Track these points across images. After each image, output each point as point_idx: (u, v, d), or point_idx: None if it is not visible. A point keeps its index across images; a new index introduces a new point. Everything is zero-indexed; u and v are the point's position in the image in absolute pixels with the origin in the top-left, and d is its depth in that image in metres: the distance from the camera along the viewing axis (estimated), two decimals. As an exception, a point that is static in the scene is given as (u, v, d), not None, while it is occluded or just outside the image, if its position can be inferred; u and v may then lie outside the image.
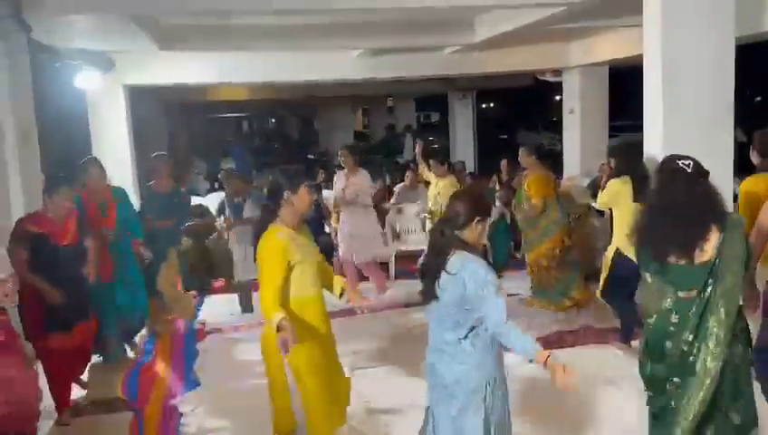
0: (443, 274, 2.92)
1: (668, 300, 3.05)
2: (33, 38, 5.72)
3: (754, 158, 4.54)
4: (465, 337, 2.95)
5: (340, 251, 7.44)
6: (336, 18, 7.32)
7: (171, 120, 17.24)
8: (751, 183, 4.45)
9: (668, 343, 3.06)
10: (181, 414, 4.71)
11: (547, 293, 6.73)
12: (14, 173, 5.40)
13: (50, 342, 4.51)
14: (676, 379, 3.06)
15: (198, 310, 7.01)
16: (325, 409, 3.70)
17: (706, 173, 3.36)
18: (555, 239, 6.66)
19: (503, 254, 8.46)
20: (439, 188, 7.58)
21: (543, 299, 6.75)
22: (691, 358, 2.99)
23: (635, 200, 4.91)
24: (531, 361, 2.89)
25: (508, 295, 7.01)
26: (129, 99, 9.41)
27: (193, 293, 7.24)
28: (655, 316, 3.11)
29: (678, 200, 3.04)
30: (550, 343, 5.55)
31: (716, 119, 5.06)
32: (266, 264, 3.54)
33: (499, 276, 3.02)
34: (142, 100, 11.10)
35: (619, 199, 5.20)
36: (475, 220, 2.96)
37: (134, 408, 4.77)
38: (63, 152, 8.71)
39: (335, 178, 7.58)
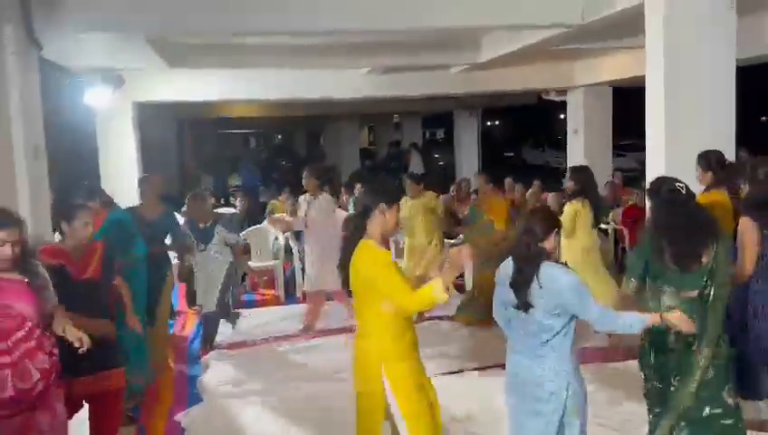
0: (534, 284, 3.05)
1: (670, 301, 3.37)
2: (43, 56, 5.81)
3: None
4: (546, 342, 3.08)
5: (307, 281, 7.04)
6: (344, 38, 7.42)
7: (179, 137, 17.38)
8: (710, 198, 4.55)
9: (671, 337, 3.37)
10: (183, 429, 4.73)
11: (481, 311, 6.53)
12: (24, 189, 5.45)
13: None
14: (675, 371, 3.41)
15: (201, 326, 7.03)
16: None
17: (694, 196, 3.68)
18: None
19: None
20: (408, 210, 7.14)
21: (470, 315, 6.82)
22: (693, 348, 3.34)
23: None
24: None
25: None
26: (137, 115, 9.53)
27: (196, 308, 7.24)
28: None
29: (683, 222, 3.40)
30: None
31: (718, 139, 5.09)
32: (386, 271, 3.24)
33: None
34: (151, 116, 11.22)
35: (578, 219, 5.73)
36: (554, 232, 3.16)
37: (137, 422, 4.79)
38: (71, 168, 8.81)
39: (299, 203, 7.15)
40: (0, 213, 3.16)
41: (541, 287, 3.02)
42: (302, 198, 7.08)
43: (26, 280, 3.11)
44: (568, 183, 6.11)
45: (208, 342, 6.43)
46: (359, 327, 3.40)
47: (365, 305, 3.31)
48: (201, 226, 6.32)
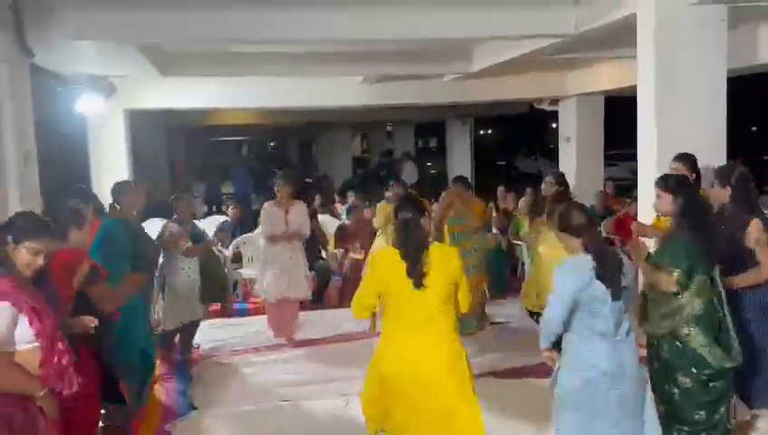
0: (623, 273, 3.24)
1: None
2: (35, 63, 5.80)
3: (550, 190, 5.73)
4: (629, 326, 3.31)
5: (269, 291, 6.60)
6: (337, 46, 7.43)
7: (171, 144, 17.34)
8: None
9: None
10: (174, 440, 4.70)
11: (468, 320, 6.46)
12: (15, 195, 5.44)
13: None
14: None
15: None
16: None
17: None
18: (483, 273, 6.80)
19: (500, 281, 8.47)
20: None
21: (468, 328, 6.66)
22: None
23: None
24: None
25: (503, 322, 7.07)
26: (129, 122, 9.51)
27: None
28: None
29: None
30: (518, 373, 5.60)
31: (709, 149, 5.13)
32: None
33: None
34: (142, 123, 11.20)
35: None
36: None
37: (128, 433, 4.75)
38: (62, 175, 8.77)
39: (264, 211, 6.69)
40: (38, 221, 3.00)
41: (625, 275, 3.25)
42: (267, 205, 6.67)
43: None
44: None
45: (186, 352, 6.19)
46: (439, 329, 3.28)
47: (448, 307, 3.30)
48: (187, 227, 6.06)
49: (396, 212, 3.45)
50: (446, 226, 6.66)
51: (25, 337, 2.70)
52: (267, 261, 6.64)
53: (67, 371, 2.82)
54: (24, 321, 2.68)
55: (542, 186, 5.98)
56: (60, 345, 2.80)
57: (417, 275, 3.19)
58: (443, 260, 3.28)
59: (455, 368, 3.26)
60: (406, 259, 3.23)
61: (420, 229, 3.33)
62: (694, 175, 4.69)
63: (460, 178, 7.09)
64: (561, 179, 6.08)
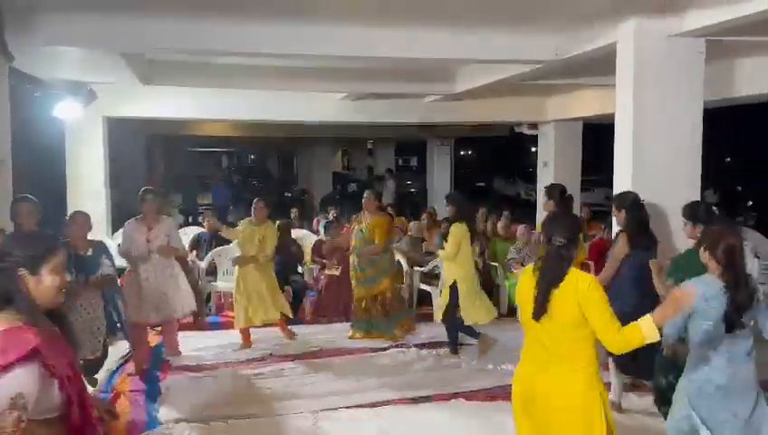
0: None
1: None
2: (14, 66, 5.73)
3: (547, 205, 6.19)
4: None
5: (133, 312, 5.94)
6: (320, 62, 7.45)
7: (149, 153, 17.23)
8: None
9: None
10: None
11: (379, 326, 7.24)
12: (-14, 200, 5.35)
13: None
14: None
15: (161, 347, 6.90)
16: None
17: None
18: (391, 280, 7.28)
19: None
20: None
21: (373, 331, 7.24)
22: None
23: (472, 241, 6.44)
24: None
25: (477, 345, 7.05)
26: (108, 130, 9.43)
27: (158, 328, 7.09)
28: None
29: None
30: (499, 396, 5.60)
31: (684, 178, 5.21)
32: (604, 303, 3.02)
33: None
34: (121, 131, 11.12)
35: (463, 240, 6.32)
36: None
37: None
38: (38, 181, 8.65)
39: (124, 228, 6.31)
40: (38, 236, 2.60)
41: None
42: (129, 223, 6.23)
43: None
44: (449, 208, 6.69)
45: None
46: (558, 356, 3.11)
47: (571, 334, 3.07)
48: (81, 253, 5.23)
49: (547, 234, 3.16)
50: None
51: (54, 403, 2.16)
52: (140, 278, 6.10)
53: None
54: (54, 385, 2.14)
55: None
56: (91, 412, 2.30)
57: (540, 308, 3.06)
58: (571, 290, 3.03)
59: (576, 406, 3.06)
60: (536, 287, 3.09)
61: (565, 260, 3.09)
62: (551, 201, 6.11)
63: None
64: (450, 201, 6.67)
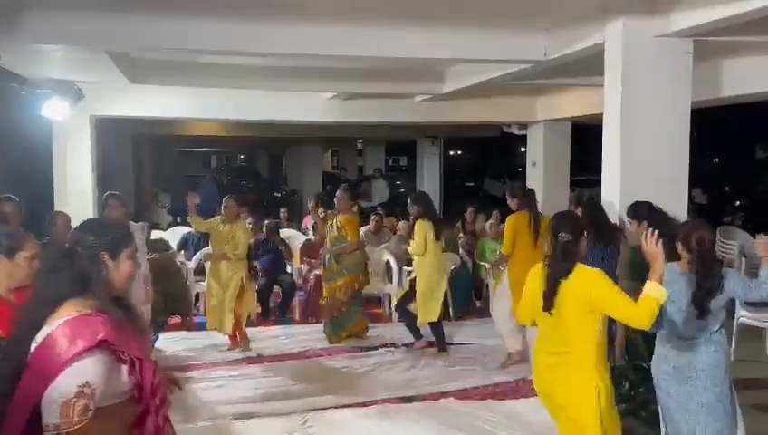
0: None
1: None
2: (0, 65, 5.69)
3: (512, 204, 6.29)
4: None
5: None
6: (307, 62, 7.43)
7: (137, 153, 17.12)
8: (514, 219, 6.14)
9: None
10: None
11: (342, 323, 7.20)
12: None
13: None
14: None
15: (152, 347, 6.86)
16: None
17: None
18: (354, 276, 7.20)
19: (464, 301, 8.49)
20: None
21: (341, 330, 7.19)
22: None
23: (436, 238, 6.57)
24: None
25: (465, 344, 7.07)
26: (95, 129, 9.36)
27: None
28: None
29: None
30: (492, 393, 5.64)
31: (672, 178, 5.23)
32: (613, 287, 3.24)
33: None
34: (109, 130, 11.05)
35: (428, 236, 6.51)
36: None
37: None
38: (24, 181, 8.59)
39: None
40: (108, 222, 2.71)
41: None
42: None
43: None
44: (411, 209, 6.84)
45: None
46: (564, 349, 3.30)
47: (575, 327, 3.26)
48: None
49: (554, 231, 3.36)
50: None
51: (123, 388, 2.16)
52: None
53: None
54: (122, 370, 2.14)
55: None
56: (158, 399, 2.26)
57: (547, 301, 3.27)
58: (580, 285, 3.22)
59: (582, 403, 3.23)
60: (545, 282, 3.30)
61: (573, 255, 3.30)
62: (515, 199, 6.26)
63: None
64: (414, 201, 6.81)
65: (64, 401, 1.99)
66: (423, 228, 6.55)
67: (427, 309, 6.60)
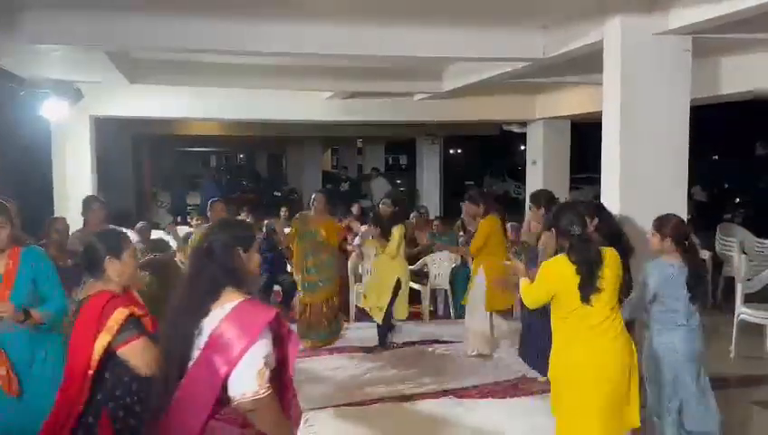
0: None
1: None
2: (-1, 65, 5.69)
3: (479, 211, 6.56)
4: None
5: None
6: (308, 61, 7.42)
7: (137, 152, 17.12)
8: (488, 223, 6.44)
9: None
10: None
11: (318, 332, 7.09)
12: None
13: None
14: None
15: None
16: None
17: None
18: (331, 290, 7.18)
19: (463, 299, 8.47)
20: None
21: (315, 339, 7.07)
22: None
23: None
24: None
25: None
26: (94, 130, 9.36)
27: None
28: None
29: None
30: (492, 392, 5.65)
31: (671, 176, 5.23)
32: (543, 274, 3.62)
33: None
34: (108, 130, 11.04)
35: (401, 240, 6.92)
36: None
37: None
38: (23, 181, 8.58)
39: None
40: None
41: None
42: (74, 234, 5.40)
43: None
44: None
45: None
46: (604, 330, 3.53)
47: (612, 304, 3.56)
48: (60, 264, 4.35)
49: (565, 226, 3.58)
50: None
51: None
52: None
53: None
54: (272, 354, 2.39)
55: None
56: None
57: (588, 292, 3.45)
58: (612, 268, 3.55)
59: (627, 363, 3.57)
60: (579, 274, 3.46)
61: (593, 241, 3.60)
62: (483, 206, 6.52)
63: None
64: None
65: (258, 369, 2.28)
66: (399, 233, 6.90)
67: (402, 306, 6.96)
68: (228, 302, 2.36)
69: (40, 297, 3.49)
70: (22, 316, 3.35)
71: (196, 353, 2.33)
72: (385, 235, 6.93)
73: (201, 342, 2.32)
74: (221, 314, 2.33)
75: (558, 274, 3.53)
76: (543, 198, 5.78)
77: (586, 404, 3.49)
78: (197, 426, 2.30)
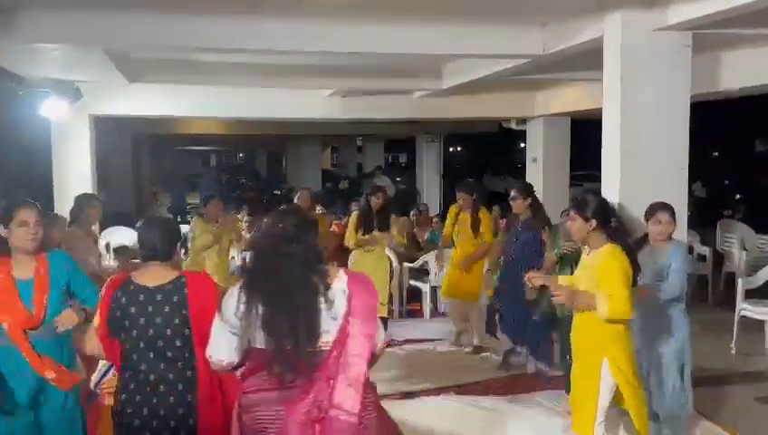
0: None
1: None
2: (-2, 65, 5.68)
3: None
4: None
5: None
6: (306, 59, 7.41)
7: (137, 151, 17.12)
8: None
9: None
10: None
11: None
12: (-30, 200, 5.28)
13: None
14: None
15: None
16: None
17: None
18: None
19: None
20: None
21: None
22: None
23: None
24: None
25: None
26: (94, 129, 9.35)
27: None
28: None
29: None
30: (492, 388, 5.68)
31: (672, 173, 5.22)
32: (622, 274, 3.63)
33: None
34: (108, 129, 11.04)
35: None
36: None
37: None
38: (23, 181, 8.60)
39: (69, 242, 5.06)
40: None
41: None
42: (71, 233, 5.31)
43: None
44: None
45: None
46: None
47: None
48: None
49: (604, 220, 3.74)
50: None
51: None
52: None
53: None
54: None
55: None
56: None
57: (636, 276, 3.70)
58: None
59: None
60: (632, 261, 3.67)
61: (623, 232, 3.93)
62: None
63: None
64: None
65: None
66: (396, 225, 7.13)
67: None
68: (338, 275, 2.61)
69: (76, 299, 3.46)
70: (83, 318, 3.33)
71: (335, 322, 2.53)
72: (369, 228, 6.69)
73: (339, 310, 2.54)
74: (342, 285, 2.57)
75: (628, 266, 3.65)
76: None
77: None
78: (363, 378, 2.64)
